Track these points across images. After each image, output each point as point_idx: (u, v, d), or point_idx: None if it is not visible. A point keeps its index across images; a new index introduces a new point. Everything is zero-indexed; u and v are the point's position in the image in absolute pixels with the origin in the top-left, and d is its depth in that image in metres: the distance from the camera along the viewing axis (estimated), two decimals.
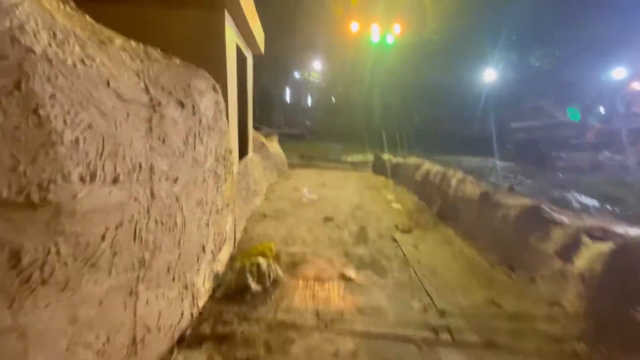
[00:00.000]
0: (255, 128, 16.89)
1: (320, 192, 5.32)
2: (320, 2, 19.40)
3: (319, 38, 20.74)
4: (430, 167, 5.11)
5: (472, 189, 3.62)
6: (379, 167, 7.67)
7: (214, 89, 1.56)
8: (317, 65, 23.67)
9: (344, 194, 5.26)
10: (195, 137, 1.40)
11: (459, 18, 16.98)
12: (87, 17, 1.27)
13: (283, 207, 4.26)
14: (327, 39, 20.47)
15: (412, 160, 6.26)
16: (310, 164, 9.38)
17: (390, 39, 17.37)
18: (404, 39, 17.73)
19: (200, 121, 1.41)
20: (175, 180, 1.28)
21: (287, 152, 12.04)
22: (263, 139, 6.42)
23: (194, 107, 1.35)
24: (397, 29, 17.23)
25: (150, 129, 1.16)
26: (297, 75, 24.78)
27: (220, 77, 2.57)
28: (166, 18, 2.45)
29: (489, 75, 18.36)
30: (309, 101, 25.47)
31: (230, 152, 2.10)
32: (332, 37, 19.80)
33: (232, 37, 2.81)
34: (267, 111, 23.00)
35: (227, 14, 2.59)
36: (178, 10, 2.44)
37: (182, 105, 1.28)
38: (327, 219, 3.82)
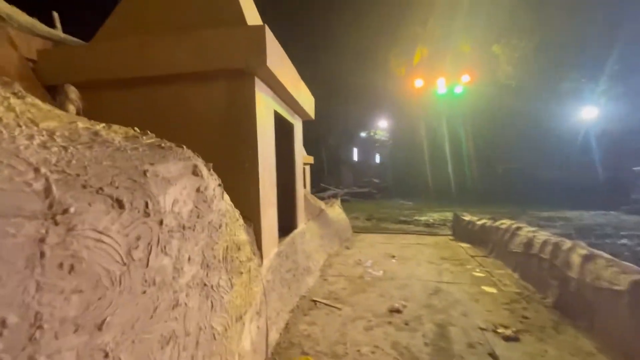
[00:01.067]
0: (323, 189, 16.94)
1: (387, 266, 4.45)
2: (382, 64, 20.10)
3: (383, 97, 21.07)
4: (534, 233, 3.91)
5: (612, 273, 2.43)
6: (460, 231, 6.45)
7: (196, 172, 1.11)
8: (382, 123, 23.75)
9: (416, 269, 4.30)
10: (150, 248, 0.90)
11: (540, 57, 15.52)
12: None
13: (339, 290, 3.54)
14: (391, 97, 20.65)
15: (505, 222, 5.03)
16: (377, 227, 8.53)
17: (458, 89, 16.59)
18: (475, 88, 16.75)
19: (161, 223, 0.93)
20: (100, 327, 0.76)
21: (354, 213, 11.45)
22: (322, 205, 5.99)
23: (147, 205, 0.89)
24: (465, 78, 16.48)
25: (42, 256, 0.70)
26: (363, 134, 25.16)
27: (250, 151, 2.24)
28: (191, 94, 2.30)
29: (589, 112, 15.76)
30: (377, 159, 25.17)
31: (239, 248, 1.60)
32: (396, 95, 19.91)
33: (268, 106, 2.55)
34: (335, 171, 23.34)
35: (260, 82, 2.34)
36: (204, 83, 2.27)
37: (120, 205, 0.81)
38: (393, 311, 2.95)
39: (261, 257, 2.26)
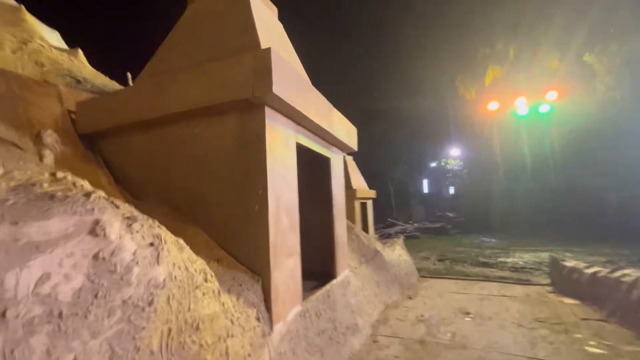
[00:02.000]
0: (390, 225, 15.87)
1: (458, 326, 3.53)
2: (448, 89, 18.98)
3: (453, 124, 19.64)
4: None
5: None
6: (561, 280, 5.03)
7: (95, 231, 0.78)
8: (454, 152, 21.94)
9: (498, 334, 3.30)
10: None
11: None
12: None
13: (390, 359, 2.82)
14: (462, 123, 19.12)
15: (628, 272, 3.69)
16: (452, 270, 7.33)
17: (544, 108, 14.52)
18: (566, 105, 14.46)
19: (4, 314, 0.59)
20: None
21: (424, 252, 10.22)
22: (378, 245, 5.32)
23: None
24: (552, 95, 14.40)
25: None
26: (433, 164, 23.53)
27: (260, 190, 1.91)
28: (203, 131, 2.11)
29: None
30: (451, 190, 23.06)
31: (199, 326, 1.19)
32: (468, 120, 18.34)
33: (288, 138, 2.24)
34: (404, 206, 21.96)
35: (273, 113, 2.06)
36: (214, 119, 2.07)
37: None
38: None
39: (271, 322, 1.82)
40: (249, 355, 1.50)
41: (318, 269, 3.35)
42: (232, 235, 1.97)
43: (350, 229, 5.04)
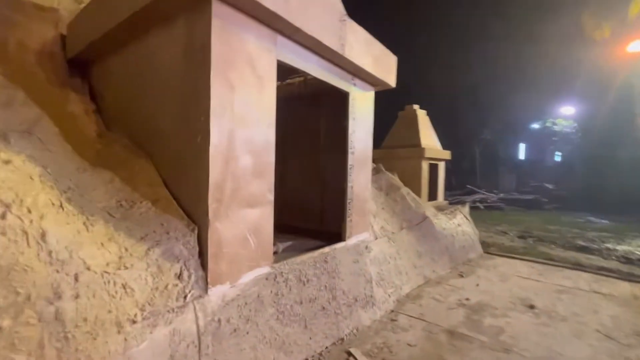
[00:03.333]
0: (469, 192, 14.16)
1: (512, 321, 2.71)
2: (568, 28, 14.85)
3: (569, 73, 15.58)
4: None
5: None
6: None
7: None
8: (566, 111, 17.71)
9: (570, 343, 2.38)
10: None
11: None
12: None
13: (402, 346, 2.26)
14: (582, 72, 15.02)
15: None
16: (532, 250, 6.01)
17: None
18: None
19: None
20: None
21: (503, 225, 8.71)
22: (429, 211, 4.49)
23: None
24: None
25: None
26: (536, 125, 19.57)
27: (202, 117, 1.46)
28: (155, 46, 1.70)
29: None
30: (556, 158, 19.09)
31: None
32: (591, 69, 14.29)
33: (258, 52, 1.68)
34: (491, 173, 19.20)
35: (229, 11, 1.51)
36: (164, 28, 1.63)
37: None
38: None
39: (206, 282, 1.45)
40: (146, 318, 1.16)
41: (332, 228, 2.87)
42: (178, 173, 1.61)
43: (394, 189, 4.32)
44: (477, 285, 3.68)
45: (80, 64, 2.35)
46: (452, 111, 17.98)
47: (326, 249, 2.30)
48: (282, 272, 1.88)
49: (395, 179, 4.59)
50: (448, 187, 16.75)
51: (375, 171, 4.52)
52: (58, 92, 2.06)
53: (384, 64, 2.66)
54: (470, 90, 18.06)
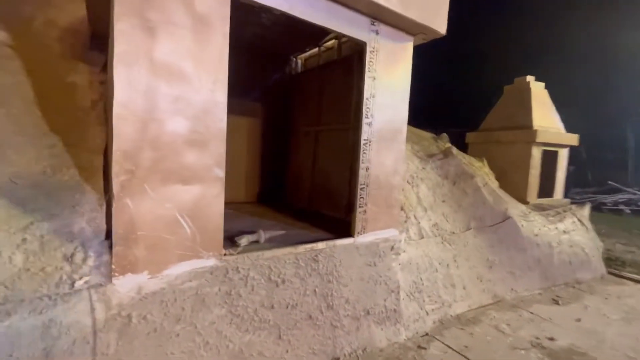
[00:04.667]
0: (611, 190, 11.00)
1: None
2: None
3: None
4: None
5: None
6: None
7: None
8: None
9: None
10: None
11: None
12: None
13: None
14: None
15: None
16: None
17: None
18: None
19: None
20: None
21: None
22: (514, 209, 3.36)
23: None
24: None
25: None
26: None
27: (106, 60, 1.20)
28: None
29: None
30: None
31: None
32: None
33: None
34: (622, 161, 14.22)
35: None
36: None
37: None
38: None
39: (110, 268, 1.20)
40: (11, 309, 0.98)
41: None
42: (108, 137, 1.39)
43: (465, 177, 3.38)
44: (578, 320, 2.56)
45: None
46: (594, 84, 13.94)
47: (319, 245, 1.82)
48: (237, 267, 1.52)
49: (469, 166, 3.61)
50: (579, 183, 13.19)
51: (444, 155, 3.62)
52: (66, 64, 2.12)
53: (425, 2, 1.91)
54: (625, 63, 13.51)
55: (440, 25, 2.04)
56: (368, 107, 1.94)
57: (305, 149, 3.15)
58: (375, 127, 1.99)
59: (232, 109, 3.18)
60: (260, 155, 3.36)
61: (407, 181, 2.97)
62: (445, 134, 4.90)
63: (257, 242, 1.83)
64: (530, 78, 6.09)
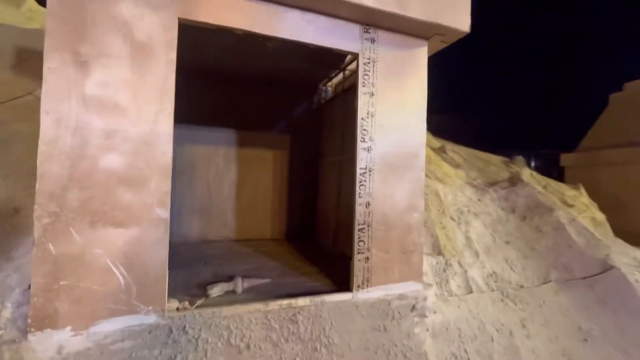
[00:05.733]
0: None
1: None
2: None
3: None
4: None
5: None
6: None
7: None
8: None
9: None
10: None
11: None
12: None
13: None
14: None
15: None
16: None
17: None
18: None
19: None
20: None
21: None
22: (618, 256, 2.37)
23: None
24: None
25: None
26: None
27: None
28: None
29: None
30: None
31: None
32: None
33: (141, 15, 1.23)
34: None
35: None
36: None
37: None
38: None
39: (27, 322, 1.07)
40: None
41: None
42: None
43: (541, 211, 2.59)
44: None
45: None
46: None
47: (300, 302, 1.45)
48: (185, 327, 1.27)
49: (548, 195, 2.77)
50: None
51: (509, 182, 2.88)
52: None
53: None
54: None
55: (460, 21, 1.61)
56: (365, 129, 1.58)
57: (330, 181, 2.85)
58: (377, 153, 1.60)
59: (256, 142, 3.17)
60: (287, 189, 3.17)
61: (451, 217, 2.38)
62: (520, 157, 4.05)
63: (233, 292, 1.57)
64: None
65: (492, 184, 2.98)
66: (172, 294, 1.41)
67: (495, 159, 4.19)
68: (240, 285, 1.57)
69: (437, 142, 3.94)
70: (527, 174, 3.49)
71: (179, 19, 1.28)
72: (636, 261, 2.39)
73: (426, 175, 2.65)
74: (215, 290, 1.51)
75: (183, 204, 2.79)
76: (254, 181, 3.02)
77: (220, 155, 2.91)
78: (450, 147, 4.16)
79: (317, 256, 2.43)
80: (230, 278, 1.61)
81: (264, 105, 3.01)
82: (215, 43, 2.10)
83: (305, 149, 3.24)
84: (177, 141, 2.87)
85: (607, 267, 2.26)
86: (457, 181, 2.78)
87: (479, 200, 2.66)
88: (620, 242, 2.66)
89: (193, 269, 1.92)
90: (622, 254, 2.40)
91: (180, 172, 2.78)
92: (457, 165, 3.20)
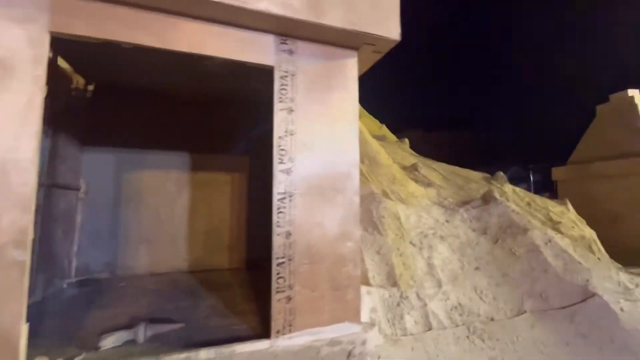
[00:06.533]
0: None
1: None
2: None
3: None
4: None
5: None
6: None
7: None
8: None
9: None
10: None
11: None
12: None
13: None
14: None
15: None
16: None
17: None
18: None
19: None
20: None
21: None
22: (609, 276, 2.12)
23: None
24: None
25: None
26: None
27: None
28: None
29: None
30: None
31: None
32: None
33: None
34: None
35: None
36: None
37: None
38: None
39: None
40: None
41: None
42: None
43: (515, 232, 2.36)
44: None
45: None
46: None
47: (202, 355, 1.22)
48: None
49: (521, 215, 2.55)
50: None
51: (482, 200, 2.67)
52: None
53: (353, 1, 1.41)
54: None
55: (388, 28, 1.47)
56: (283, 149, 1.41)
57: None
58: (299, 175, 1.42)
59: (211, 165, 3.00)
60: (247, 214, 2.97)
61: (412, 242, 2.16)
62: (501, 173, 3.85)
63: (133, 341, 1.34)
64: (633, 92, 4.81)
65: (466, 202, 2.77)
66: (49, 347, 1.19)
67: (476, 175, 4.00)
68: (142, 333, 1.35)
69: (411, 159, 3.77)
70: (509, 190, 3.29)
71: (50, 32, 1.14)
72: (620, 286, 2.13)
73: (387, 197, 2.45)
74: (110, 341, 1.29)
75: (129, 234, 2.59)
76: (209, 207, 2.83)
77: (172, 180, 2.74)
78: (428, 163, 3.98)
79: (268, 289, 2.20)
80: (130, 325, 1.39)
81: (218, 127, 2.87)
82: (152, 62, 1.98)
83: (267, 170, 3.06)
84: (122, 167, 2.74)
85: (588, 295, 2.01)
86: (424, 201, 2.57)
87: (446, 221, 2.45)
88: (602, 264, 2.40)
89: (108, 310, 1.69)
90: (604, 279, 2.15)
91: (126, 199, 2.60)
92: (428, 184, 3.00)
